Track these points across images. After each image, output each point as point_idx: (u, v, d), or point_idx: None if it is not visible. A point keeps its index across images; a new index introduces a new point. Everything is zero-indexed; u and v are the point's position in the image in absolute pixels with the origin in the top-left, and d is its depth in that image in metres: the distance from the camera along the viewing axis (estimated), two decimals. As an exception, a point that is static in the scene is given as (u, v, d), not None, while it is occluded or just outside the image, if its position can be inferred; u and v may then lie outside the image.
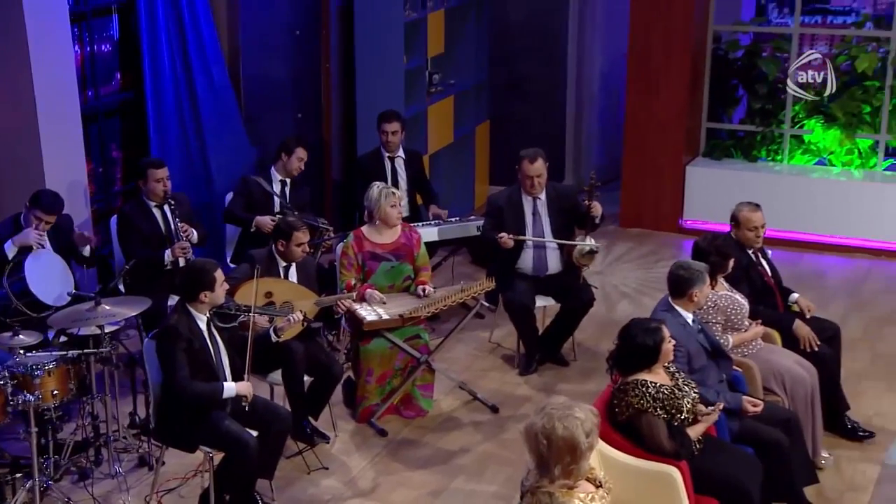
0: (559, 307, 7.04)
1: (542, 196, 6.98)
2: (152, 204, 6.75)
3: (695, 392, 4.84)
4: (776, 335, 5.97)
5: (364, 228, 6.43)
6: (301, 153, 7.40)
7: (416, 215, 8.07)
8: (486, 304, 6.55)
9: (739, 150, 9.63)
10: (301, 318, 5.55)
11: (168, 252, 6.63)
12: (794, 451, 5.19)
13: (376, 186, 6.37)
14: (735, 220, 6.15)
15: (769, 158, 9.56)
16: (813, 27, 9.86)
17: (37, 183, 6.72)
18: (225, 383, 5.19)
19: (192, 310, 5.20)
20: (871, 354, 7.18)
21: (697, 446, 4.79)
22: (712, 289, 5.62)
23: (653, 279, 8.43)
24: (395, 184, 7.97)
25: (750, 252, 6.14)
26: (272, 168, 7.49)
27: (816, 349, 5.95)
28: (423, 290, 6.32)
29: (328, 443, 6.07)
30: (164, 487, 5.52)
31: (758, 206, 6.14)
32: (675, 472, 4.60)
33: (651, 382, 4.70)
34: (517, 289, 6.87)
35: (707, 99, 9.66)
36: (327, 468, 5.83)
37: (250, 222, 7.21)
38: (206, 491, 5.28)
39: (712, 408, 4.82)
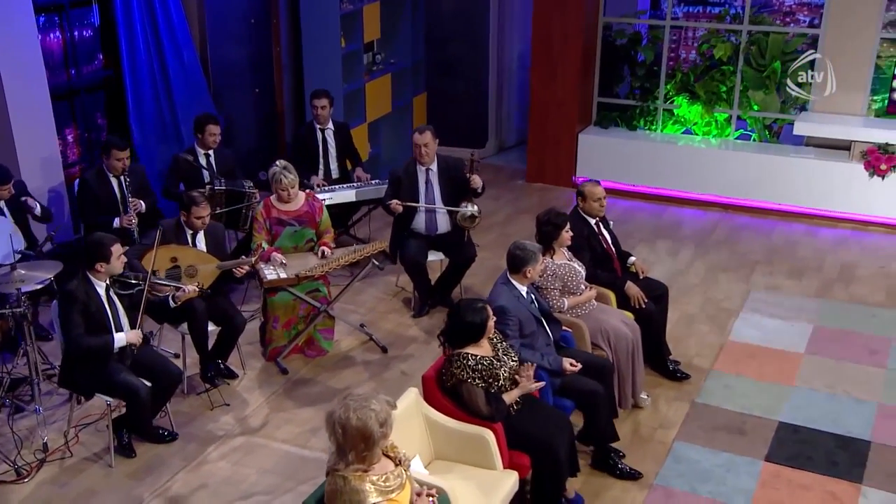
0: (448, 261, 6.28)
1: (434, 167, 6.17)
2: (111, 174, 5.99)
3: (513, 361, 4.10)
4: (611, 295, 5.21)
5: (272, 197, 5.62)
6: (212, 129, 6.44)
7: (345, 177, 7.25)
8: (376, 264, 5.74)
9: (623, 121, 8.79)
10: (197, 291, 4.78)
11: (117, 220, 5.88)
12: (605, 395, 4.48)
13: (274, 167, 5.51)
14: (581, 194, 5.35)
15: (646, 128, 8.72)
16: (692, 18, 8.85)
17: (9, 158, 5.93)
18: (116, 334, 4.45)
19: (91, 277, 4.45)
20: (703, 299, 6.41)
21: (514, 408, 4.07)
22: (552, 258, 4.87)
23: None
24: (326, 151, 7.16)
25: (592, 223, 5.34)
26: (195, 144, 6.57)
27: (644, 306, 5.20)
28: (322, 251, 5.54)
29: (229, 383, 5.32)
30: (82, 423, 4.84)
31: (598, 182, 5.37)
32: (488, 434, 3.92)
33: (472, 355, 3.97)
34: (411, 246, 6.12)
35: (598, 78, 8.78)
36: (228, 405, 5.10)
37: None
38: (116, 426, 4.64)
39: (535, 384, 4.07)
